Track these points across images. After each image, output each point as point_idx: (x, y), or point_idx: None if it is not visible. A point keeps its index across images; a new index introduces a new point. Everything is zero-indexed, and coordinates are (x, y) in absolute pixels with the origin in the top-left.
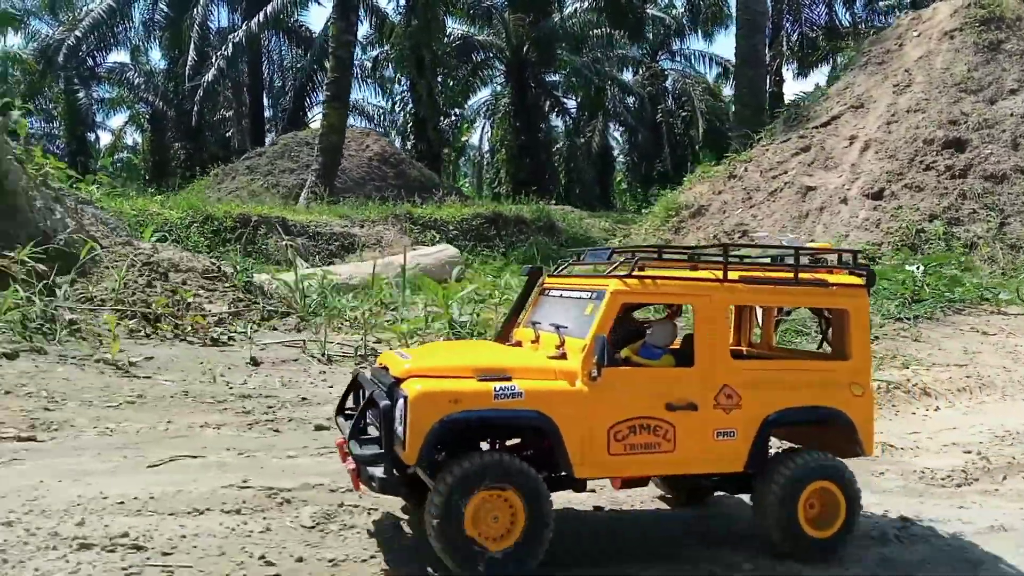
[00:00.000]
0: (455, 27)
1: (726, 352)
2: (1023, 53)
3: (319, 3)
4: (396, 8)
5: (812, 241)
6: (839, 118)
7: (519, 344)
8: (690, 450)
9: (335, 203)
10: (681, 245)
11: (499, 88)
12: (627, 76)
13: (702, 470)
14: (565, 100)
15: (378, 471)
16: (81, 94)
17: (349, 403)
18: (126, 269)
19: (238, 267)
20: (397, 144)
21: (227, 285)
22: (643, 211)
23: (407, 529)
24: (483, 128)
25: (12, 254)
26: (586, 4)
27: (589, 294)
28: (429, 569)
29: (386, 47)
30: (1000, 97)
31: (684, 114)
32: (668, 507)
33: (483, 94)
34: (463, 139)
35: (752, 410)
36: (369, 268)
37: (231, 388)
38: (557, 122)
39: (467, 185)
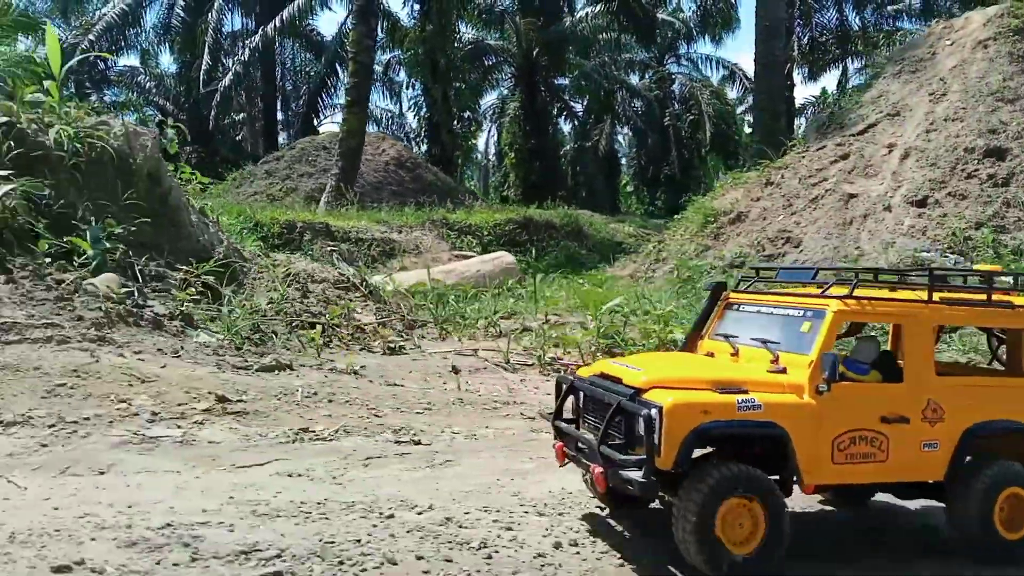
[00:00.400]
0: (466, 32)
1: (931, 368)
2: None
3: (330, 8)
4: (410, 13)
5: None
6: (876, 126)
7: (712, 355)
8: (900, 460)
9: (361, 207)
10: (886, 268)
11: (507, 92)
12: (634, 80)
13: (910, 478)
14: (573, 104)
15: (636, 475)
16: (93, 97)
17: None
18: (281, 281)
19: (365, 277)
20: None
21: (357, 295)
22: (651, 215)
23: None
24: (489, 132)
25: (188, 269)
26: (598, 8)
27: (802, 311)
28: (671, 568)
29: (397, 51)
30: None
31: (691, 117)
32: (832, 507)
33: (490, 98)
34: (470, 143)
35: (954, 423)
36: (429, 274)
37: (479, 394)
38: (565, 126)
39: (473, 188)
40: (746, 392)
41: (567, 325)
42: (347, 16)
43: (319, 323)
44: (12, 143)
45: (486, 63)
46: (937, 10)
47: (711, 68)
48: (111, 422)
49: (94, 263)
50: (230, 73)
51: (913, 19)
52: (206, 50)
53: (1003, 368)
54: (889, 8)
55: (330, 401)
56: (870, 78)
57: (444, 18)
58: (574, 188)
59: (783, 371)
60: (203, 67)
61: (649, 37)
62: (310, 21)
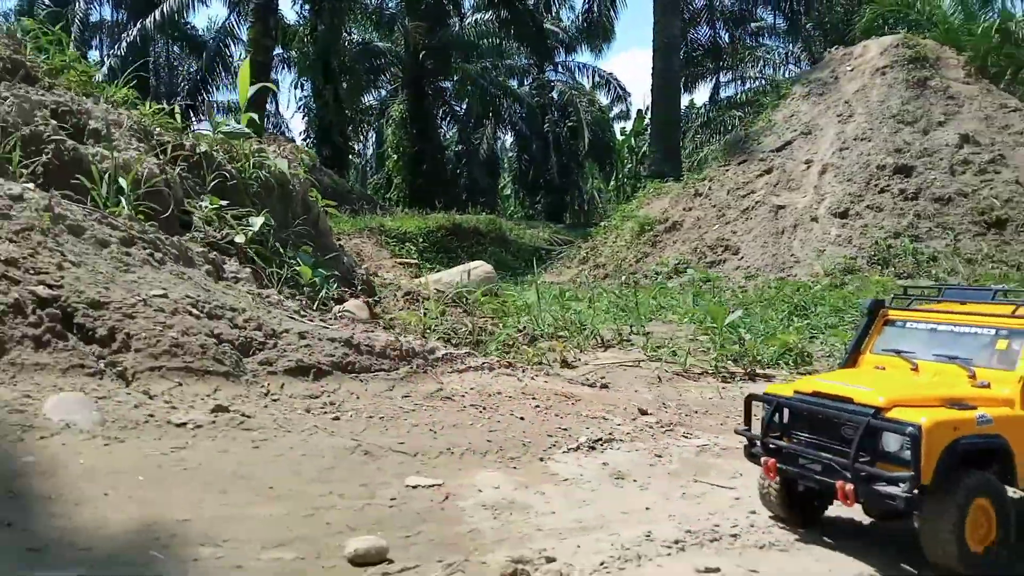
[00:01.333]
0: (354, 33)
1: None
2: (945, 89)
3: (205, 4)
4: (299, 12)
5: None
6: (792, 143)
7: (883, 369)
8: None
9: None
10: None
11: (386, 94)
12: (513, 84)
13: None
14: (457, 107)
15: (897, 490)
16: None
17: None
18: (433, 300)
19: (465, 288)
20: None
21: (461, 308)
22: (530, 218)
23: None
24: (368, 135)
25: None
26: (487, 15)
27: (994, 330)
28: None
29: (279, 50)
30: (932, 128)
31: (570, 124)
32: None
33: (369, 100)
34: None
35: None
36: (430, 283)
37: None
38: (448, 129)
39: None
40: (975, 408)
41: (668, 335)
42: (229, 13)
43: (493, 338)
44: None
45: (375, 65)
46: (801, 32)
47: (587, 77)
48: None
49: (320, 288)
50: (103, 67)
51: (774, 37)
52: (72, 41)
53: None
54: (752, 25)
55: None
56: (776, 99)
57: (336, 18)
58: (457, 192)
59: (987, 386)
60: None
61: (539, 45)
62: (187, 18)
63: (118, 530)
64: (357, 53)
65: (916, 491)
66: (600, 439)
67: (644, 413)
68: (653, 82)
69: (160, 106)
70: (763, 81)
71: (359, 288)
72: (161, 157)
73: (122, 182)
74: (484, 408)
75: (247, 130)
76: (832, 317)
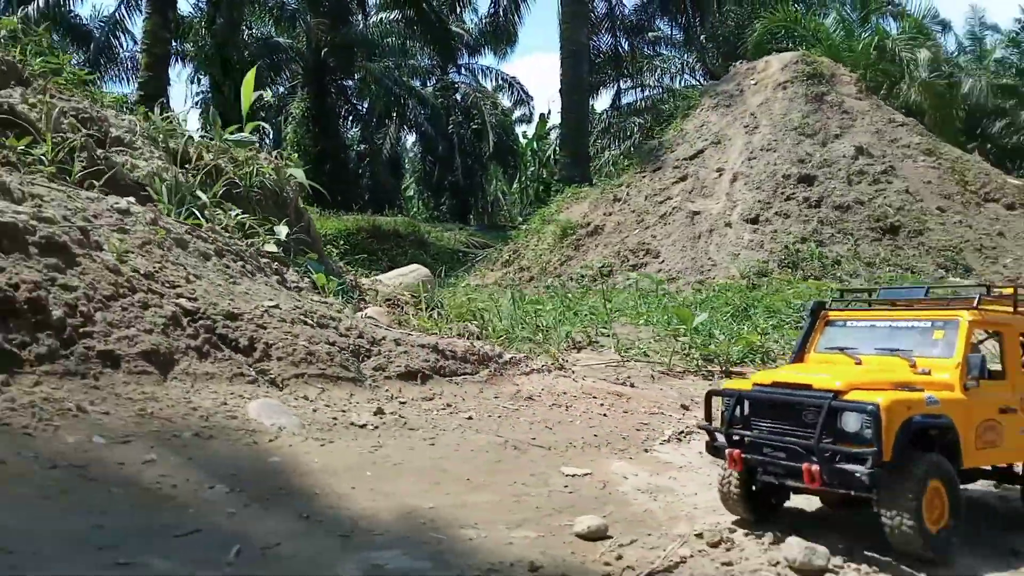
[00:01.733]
0: (255, 29)
1: (1020, 367)
2: (840, 104)
3: None
4: (195, 4)
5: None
6: (704, 152)
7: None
8: (1009, 444)
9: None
10: (989, 284)
11: (285, 91)
12: (416, 84)
13: (1015, 460)
14: (360, 107)
15: (859, 467)
16: None
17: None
18: (412, 304)
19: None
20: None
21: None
22: (436, 219)
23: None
24: (268, 133)
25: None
26: (392, 15)
27: (930, 323)
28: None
29: (176, 44)
30: (830, 140)
31: (474, 126)
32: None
33: (272, 97)
34: None
35: None
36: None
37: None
38: (351, 128)
39: None
40: (923, 391)
41: (632, 336)
42: (119, 4)
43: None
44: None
45: (276, 60)
46: (696, 44)
47: (490, 79)
48: None
49: (339, 292)
50: None
51: (670, 47)
52: None
53: None
54: (649, 35)
55: None
56: (685, 109)
57: (235, 12)
58: (360, 192)
59: (928, 373)
60: None
61: (445, 46)
62: (71, 7)
63: (389, 517)
64: (257, 48)
65: (878, 468)
66: (681, 432)
67: (686, 408)
68: (562, 89)
69: (169, 113)
70: (661, 90)
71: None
72: (186, 167)
73: (201, 195)
74: (565, 407)
75: (252, 138)
76: (772, 317)
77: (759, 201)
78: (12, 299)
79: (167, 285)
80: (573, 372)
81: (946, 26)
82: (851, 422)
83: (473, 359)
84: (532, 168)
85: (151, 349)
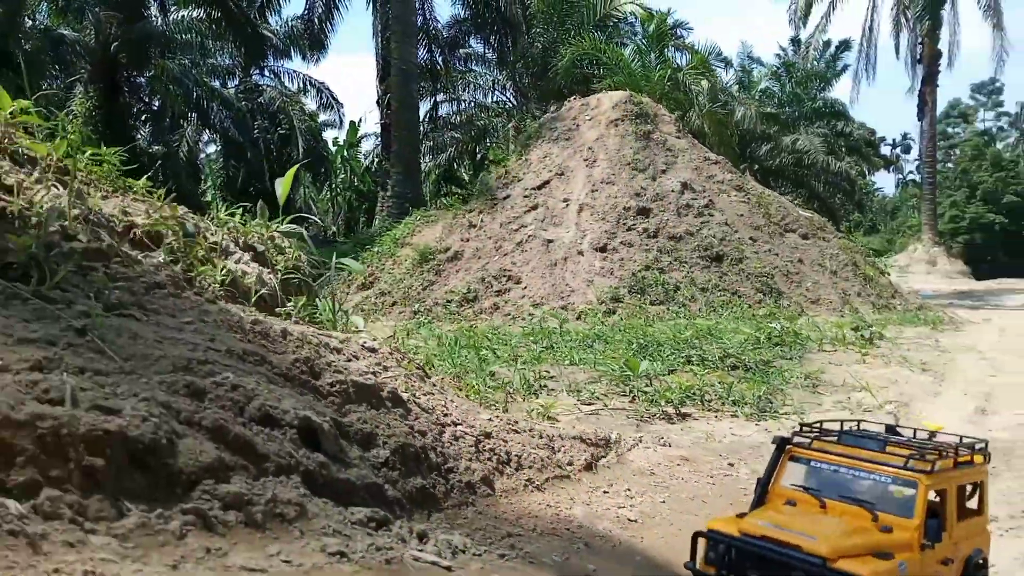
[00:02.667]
0: (38, 20)
1: (955, 519)
2: (664, 142)
3: None
4: None
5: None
6: (550, 183)
7: (794, 504)
8: None
9: None
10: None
11: (65, 87)
12: (217, 85)
13: None
14: (154, 105)
15: None
16: None
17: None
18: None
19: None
20: None
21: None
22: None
23: None
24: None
25: None
26: (196, 12)
27: (891, 479)
28: None
29: None
30: (658, 176)
31: (281, 131)
32: None
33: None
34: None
35: (960, 553)
36: None
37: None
38: (143, 128)
39: None
40: (893, 557)
41: (570, 378)
42: None
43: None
44: None
45: (61, 54)
46: (508, 65)
47: (296, 83)
48: None
49: None
50: None
51: (482, 64)
52: None
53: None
54: (461, 51)
55: None
56: (526, 139)
57: (14, 2)
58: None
59: (890, 531)
60: None
61: (254, 47)
62: None
63: None
64: (40, 41)
65: None
66: None
67: (731, 465)
68: (392, 107)
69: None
70: (475, 105)
71: None
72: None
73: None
74: (668, 475)
75: (299, 229)
76: (680, 354)
77: (605, 231)
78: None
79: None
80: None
81: (728, 62)
82: None
83: (589, 441)
84: (342, 175)
85: (483, 476)
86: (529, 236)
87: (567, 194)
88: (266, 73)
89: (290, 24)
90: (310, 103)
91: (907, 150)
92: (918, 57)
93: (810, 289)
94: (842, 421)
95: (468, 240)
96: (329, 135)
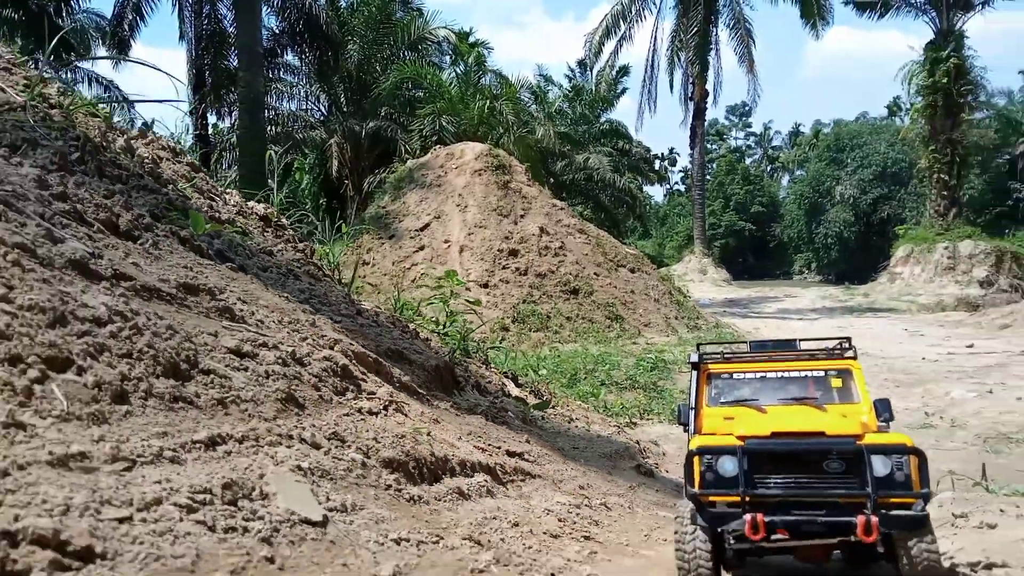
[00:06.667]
0: None
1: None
2: (520, 190)
3: None
4: None
5: None
6: (430, 225)
7: (732, 419)
8: None
9: None
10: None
11: None
12: None
13: None
14: None
15: (912, 512)
16: None
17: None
18: None
19: None
20: None
21: None
22: None
23: None
24: None
25: None
26: None
27: (823, 372)
28: None
29: None
30: (519, 220)
31: None
32: None
33: None
34: None
35: None
36: None
37: None
38: None
39: None
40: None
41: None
42: None
43: None
44: None
45: None
46: (327, 78)
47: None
48: None
49: None
50: None
51: (300, 76)
52: None
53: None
54: (280, 62)
55: None
56: (397, 181)
57: None
58: None
59: (845, 416)
60: None
61: (65, 44)
62: None
63: None
64: None
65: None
66: None
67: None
68: (240, 138)
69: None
70: (294, 118)
71: None
72: None
73: None
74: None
75: None
76: (595, 378)
77: (485, 269)
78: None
79: None
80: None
81: (536, 94)
82: (881, 467)
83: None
84: None
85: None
86: (421, 274)
87: (447, 236)
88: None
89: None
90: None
91: (673, 163)
92: (690, 95)
93: (642, 315)
94: (726, 342)
95: (364, 276)
96: None
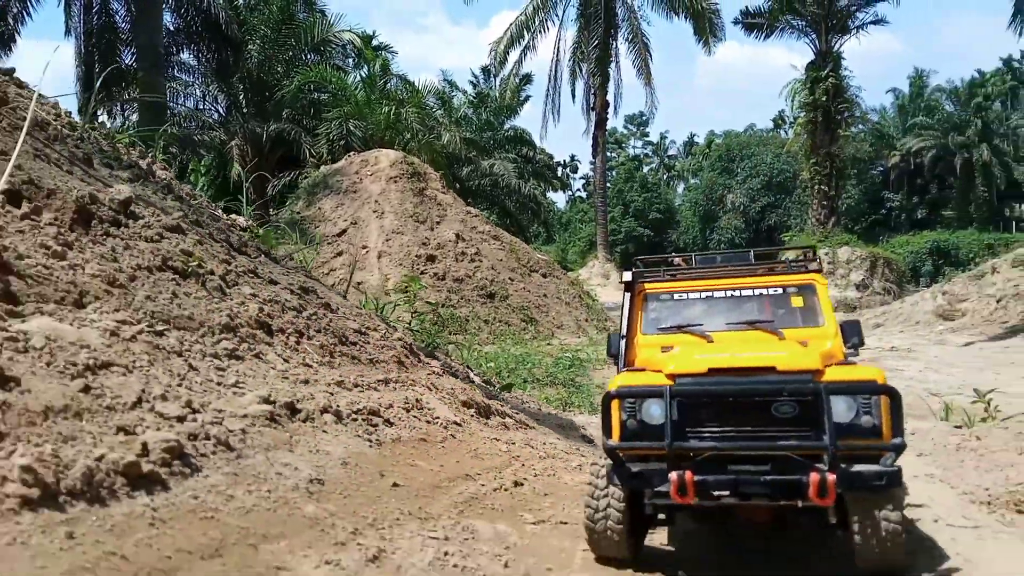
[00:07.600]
0: None
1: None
2: (435, 198)
3: None
4: None
5: None
6: (348, 231)
7: (671, 348)
8: None
9: None
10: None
11: None
12: None
13: None
14: None
15: (876, 467)
16: None
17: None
18: None
19: None
20: None
21: None
22: None
23: None
24: None
25: None
26: None
27: (782, 289)
28: None
29: None
30: (436, 227)
31: None
32: None
33: None
34: None
35: None
36: None
37: None
38: None
39: None
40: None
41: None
42: None
43: None
44: None
45: None
46: (226, 78)
47: None
48: None
49: None
50: None
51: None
52: None
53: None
54: (175, 60)
55: None
56: (310, 187)
57: None
58: None
59: (806, 344)
60: None
61: None
62: None
63: None
64: None
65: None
66: None
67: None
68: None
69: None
70: (193, 120)
71: None
72: None
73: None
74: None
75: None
76: (517, 375)
77: (404, 275)
78: None
79: None
80: None
81: (442, 99)
82: (842, 409)
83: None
84: None
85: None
86: (341, 279)
87: (365, 242)
88: None
89: None
90: None
91: (575, 170)
92: (592, 105)
93: (554, 317)
94: (673, 256)
95: None
96: None
